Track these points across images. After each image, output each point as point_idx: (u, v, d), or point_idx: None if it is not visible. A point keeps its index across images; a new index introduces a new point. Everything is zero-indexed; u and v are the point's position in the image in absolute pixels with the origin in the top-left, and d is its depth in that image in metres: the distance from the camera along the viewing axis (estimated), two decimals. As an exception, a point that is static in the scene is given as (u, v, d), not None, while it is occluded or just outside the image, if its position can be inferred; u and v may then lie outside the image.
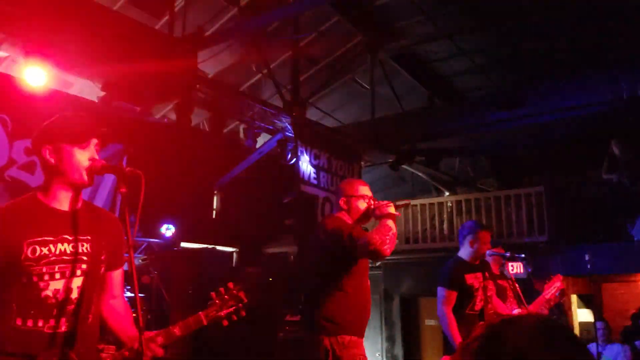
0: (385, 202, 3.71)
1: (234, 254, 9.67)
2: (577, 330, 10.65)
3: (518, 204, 11.16)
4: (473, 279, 4.74)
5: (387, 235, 3.43)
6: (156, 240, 8.04)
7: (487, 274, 4.88)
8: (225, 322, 2.58)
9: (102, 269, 2.49)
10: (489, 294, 4.84)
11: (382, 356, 11.56)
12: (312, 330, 3.63)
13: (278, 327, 7.16)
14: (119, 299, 2.64)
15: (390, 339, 11.69)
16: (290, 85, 8.94)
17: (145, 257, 7.39)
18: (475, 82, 10.86)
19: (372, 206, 3.76)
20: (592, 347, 6.87)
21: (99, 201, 7.13)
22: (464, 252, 4.84)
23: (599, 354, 6.31)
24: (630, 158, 10.80)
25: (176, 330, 2.51)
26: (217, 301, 2.59)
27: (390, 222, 3.53)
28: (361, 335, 3.66)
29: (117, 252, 2.58)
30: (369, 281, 3.82)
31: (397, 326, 11.71)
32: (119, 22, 6.95)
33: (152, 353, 2.43)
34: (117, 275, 2.63)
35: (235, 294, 2.60)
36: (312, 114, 10.08)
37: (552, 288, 5.22)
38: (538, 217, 10.82)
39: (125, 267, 2.60)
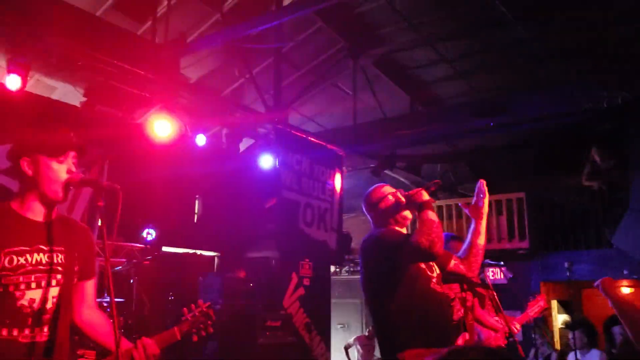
0: (415, 190, 3.49)
1: (216, 259, 9.67)
2: (557, 336, 10.76)
3: (499, 209, 11.27)
4: (447, 290, 4.77)
5: (432, 231, 3.15)
6: (137, 244, 8.02)
7: (465, 286, 4.92)
8: (195, 338, 2.70)
9: (75, 279, 2.52)
10: (468, 305, 4.86)
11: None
12: (383, 353, 3.41)
13: (259, 332, 7.16)
14: (94, 309, 2.66)
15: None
16: (272, 90, 8.96)
17: (125, 261, 7.36)
18: (457, 88, 10.93)
19: (403, 199, 3.52)
20: (572, 356, 6.91)
21: (78, 210, 7.11)
22: None
23: (577, 363, 6.37)
24: (610, 165, 10.95)
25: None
26: (188, 317, 2.72)
27: (430, 214, 3.27)
28: (431, 345, 3.21)
29: (89, 263, 2.62)
30: (434, 284, 3.49)
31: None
32: (101, 27, 6.93)
33: (150, 352, 2.51)
34: (90, 285, 2.65)
35: (205, 311, 2.75)
36: (294, 120, 10.10)
37: (536, 306, 5.31)
38: (519, 223, 10.94)
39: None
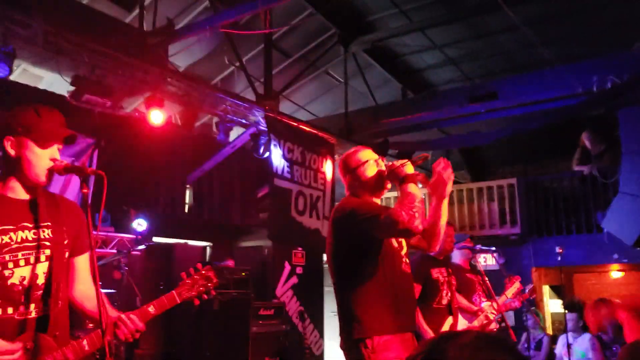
0: (399, 161, 3.17)
1: (207, 249, 9.63)
2: (549, 322, 10.82)
3: (490, 196, 11.28)
4: (438, 274, 4.79)
5: (414, 207, 2.90)
6: (128, 235, 7.97)
7: (450, 270, 4.93)
8: (197, 302, 2.63)
9: (66, 254, 2.50)
10: (453, 289, 4.89)
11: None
12: (346, 337, 3.16)
13: (252, 321, 7.14)
14: (88, 284, 2.61)
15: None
16: (263, 78, 8.90)
17: (116, 252, 7.32)
18: (448, 75, 10.93)
19: (385, 170, 3.24)
20: (564, 338, 6.96)
21: (69, 196, 7.04)
22: None
23: (569, 346, 6.39)
24: (600, 150, 10.98)
25: (151, 309, 2.54)
26: (188, 281, 2.65)
27: (412, 188, 3.01)
28: (400, 330, 3.09)
29: (80, 237, 2.58)
30: (405, 264, 3.27)
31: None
32: (88, 15, 6.85)
33: (135, 327, 2.46)
34: (82, 260, 2.61)
35: (205, 274, 2.66)
36: (285, 107, 10.06)
37: (513, 288, 5.31)
38: (510, 209, 10.96)
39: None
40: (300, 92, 10.84)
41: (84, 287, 2.59)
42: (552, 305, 11.21)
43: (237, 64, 8.83)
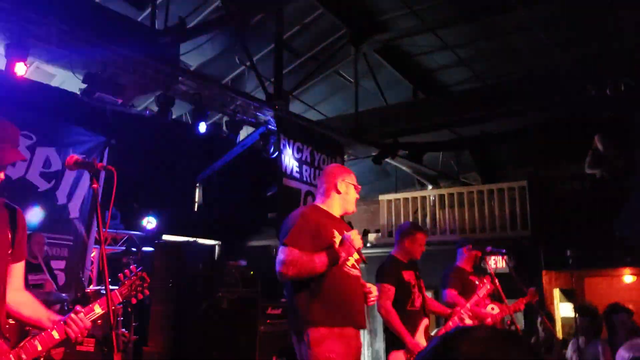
0: (356, 248, 3.42)
1: (216, 247, 9.65)
2: (559, 325, 10.74)
3: (501, 198, 11.21)
4: (409, 276, 4.85)
5: (306, 272, 3.32)
6: (138, 232, 8.00)
7: (417, 273, 5.01)
8: (134, 300, 2.87)
9: (9, 261, 2.53)
10: (424, 292, 4.95)
11: (363, 349, 11.59)
12: (290, 328, 3.55)
13: (259, 320, 7.15)
14: (21, 290, 2.66)
15: (372, 332, 11.72)
16: (273, 78, 8.90)
17: (125, 249, 7.35)
18: (459, 76, 10.87)
19: (344, 241, 3.45)
20: (574, 342, 6.89)
21: (78, 197, 7.10)
22: (399, 251, 4.95)
23: (579, 350, 6.33)
24: (612, 153, 10.89)
25: (96, 308, 2.62)
26: (126, 282, 2.86)
27: (324, 266, 3.31)
28: (338, 325, 3.34)
29: (22, 245, 2.62)
30: (352, 266, 3.51)
31: (379, 319, 11.73)
32: (101, 14, 6.88)
33: (84, 325, 2.53)
34: (19, 267, 2.66)
35: (140, 275, 2.89)
36: (295, 107, 10.05)
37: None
38: (521, 212, 10.87)
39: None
40: (311, 92, 10.83)
41: (18, 294, 2.63)
42: (563, 309, 11.12)
43: (248, 63, 8.82)
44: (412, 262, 4.97)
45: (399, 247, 4.93)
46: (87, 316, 2.55)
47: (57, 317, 2.54)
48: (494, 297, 5.46)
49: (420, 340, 4.60)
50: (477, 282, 5.44)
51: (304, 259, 3.34)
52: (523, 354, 1.05)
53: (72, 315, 2.52)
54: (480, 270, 5.84)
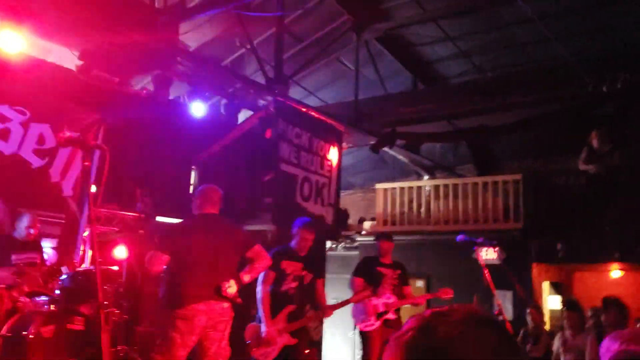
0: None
1: (211, 230, 9.61)
2: (547, 317, 10.80)
3: (495, 190, 11.22)
4: (287, 265, 5.57)
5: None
6: (131, 213, 7.97)
7: (304, 265, 5.66)
8: None
9: None
10: (305, 283, 5.66)
11: (354, 336, 11.63)
12: None
13: (253, 305, 7.14)
14: None
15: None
16: (273, 62, 8.84)
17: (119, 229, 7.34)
18: (459, 67, 10.84)
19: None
20: (561, 334, 6.94)
21: (71, 176, 7.07)
22: (293, 242, 5.72)
23: (565, 342, 6.38)
24: (607, 149, 10.89)
25: None
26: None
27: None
28: (179, 305, 4.40)
29: None
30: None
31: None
32: (100, -10, 6.82)
33: None
34: None
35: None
36: (295, 92, 10.00)
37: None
38: (514, 205, 10.89)
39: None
40: (311, 78, 10.79)
41: None
42: (551, 302, 11.19)
43: (248, 46, 8.76)
44: (307, 256, 5.73)
45: (294, 239, 5.75)
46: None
47: None
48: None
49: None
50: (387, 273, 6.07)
51: None
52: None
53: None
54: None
